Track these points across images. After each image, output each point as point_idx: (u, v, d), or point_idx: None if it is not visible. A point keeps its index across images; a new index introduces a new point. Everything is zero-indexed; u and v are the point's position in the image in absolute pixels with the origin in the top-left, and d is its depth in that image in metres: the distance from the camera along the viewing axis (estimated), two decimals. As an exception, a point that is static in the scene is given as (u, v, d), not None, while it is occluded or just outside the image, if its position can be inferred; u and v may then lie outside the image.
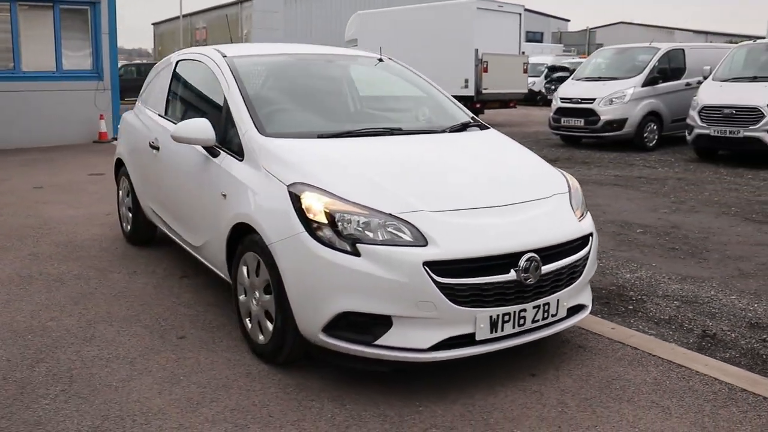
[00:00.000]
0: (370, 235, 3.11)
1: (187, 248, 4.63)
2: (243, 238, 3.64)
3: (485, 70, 18.19)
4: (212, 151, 4.01)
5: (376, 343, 3.10)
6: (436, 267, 3.05)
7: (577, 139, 13.95)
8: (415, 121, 4.41)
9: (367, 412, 3.10)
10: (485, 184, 3.57)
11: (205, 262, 4.34)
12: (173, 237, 4.92)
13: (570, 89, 13.95)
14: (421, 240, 3.10)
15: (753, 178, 10.00)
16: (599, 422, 3.06)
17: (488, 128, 4.43)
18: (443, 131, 4.22)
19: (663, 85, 13.34)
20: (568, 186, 3.84)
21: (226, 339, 3.90)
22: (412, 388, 3.31)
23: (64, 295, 4.63)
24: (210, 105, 4.36)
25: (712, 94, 11.36)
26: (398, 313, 3.06)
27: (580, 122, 13.28)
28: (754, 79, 11.25)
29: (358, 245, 3.08)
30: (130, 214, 5.76)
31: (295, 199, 3.28)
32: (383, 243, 3.09)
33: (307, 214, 3.20)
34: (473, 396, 3.26)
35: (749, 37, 39.03)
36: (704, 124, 11.22)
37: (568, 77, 21.51)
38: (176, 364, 3.58)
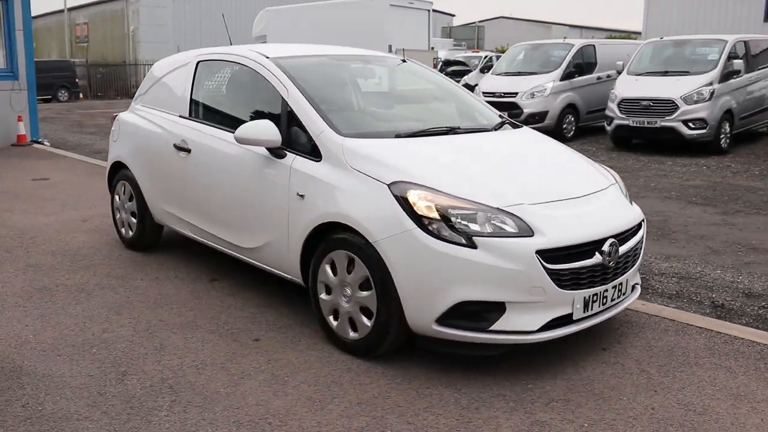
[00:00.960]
0: (479, 228, 3.30)
1: (229, 251, 4.59)
2: (326, 236, 3.72)
3: (399, 65, 18.58)
4: (277, 153, 4.03)
5: (491, 328, 3.29)
6: (545, 255, 3.29)
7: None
8: (464, 120, 4.59)
9: (484, 394, 3.29)
10: (557, 178, 3.84)
11: (258, 264, 4.34)
12: (204, 240, 4.84)
13: (491, 83, 14.58)
14: (527, 230, 3.32)
15: (673, 164, 10.96)
16: (685, 385, 3.41)
17: (521, 126, 4.70)
18: (491, 129, 4.44)
19: (578, 79, 14.26)
20: (614, 177, 4.20)
21: (303, 338, 3.94)
22: (511, 370, 3.53)
23: (100, 306, 4.45)
24: (259, 106, 4.34)
25: (629, 87, 12.30)
26: (512, 299, 3.27)
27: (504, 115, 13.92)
28: (665, 73, 12.30)
29: (474, 238, 3.26)
30: (134, 219, 5.57)
31: (401, 197, 3.41)
32: (492, 235, 3.28)
33: (417, 211, 3.34)
34: (567, 372, 3.53)
35: (626, 32, 42.03)
36: (623, 115, 12.13)
37: (463, 71, 22.40)
38: (270, 365, 3.58)
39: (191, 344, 3.86)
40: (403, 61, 5.16)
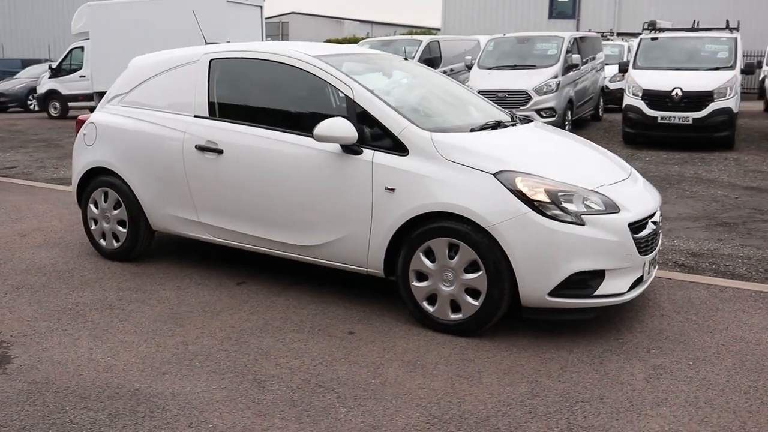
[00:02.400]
0: (581, 207, 3.75)
1: (273, 251, 4.54)
2: (419, 227, 3.92)
3: (240, 62, 18.31)
4: (352, 149, 4.11)
5: (595, 294, 3.77)
6: (631, 227, 3.83)
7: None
8: (488, 115, 4.94)
9: (594, 351, 3.74)
10: (600, 164, 4.38)
11: (319, 261, 4.37)
12: (233, 243, 4.71)
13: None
14: (614, 207, 3.83)
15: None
16: (726, 325, 4.10)
17: (532, 120, 5.17)
18: (514, 124, 4.85)
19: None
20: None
21: (395, 325, 4.09)
22: (595, 330, 4.01)
23: (149, 320, 4.18)
24: (314, 105, 4.34)
25: (483, 80, 13.43)
26: (611, 266, 3.77)
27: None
28: (515, 67, 13.61)
29: (583, 216, 3.70)
30: (122, 228, 5.19)
31: (510, 185, 3.74)
32: (593, 213, 3.75)
33: (529, 196, 3.70)
34: (637, 327, 4.10)
35: (425, 28, 44.46)
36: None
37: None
38: (391, 353, 3.72)
39: (294, 345, 3.84)
40: (405, 59, 5.41)
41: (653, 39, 13.01)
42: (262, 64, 4.63)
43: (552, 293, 3.73)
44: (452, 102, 4.93)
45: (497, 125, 4.53)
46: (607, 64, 16.92)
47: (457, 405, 3.19)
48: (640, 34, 23.40)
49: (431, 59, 15.35)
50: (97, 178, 5.31)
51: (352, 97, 4.20)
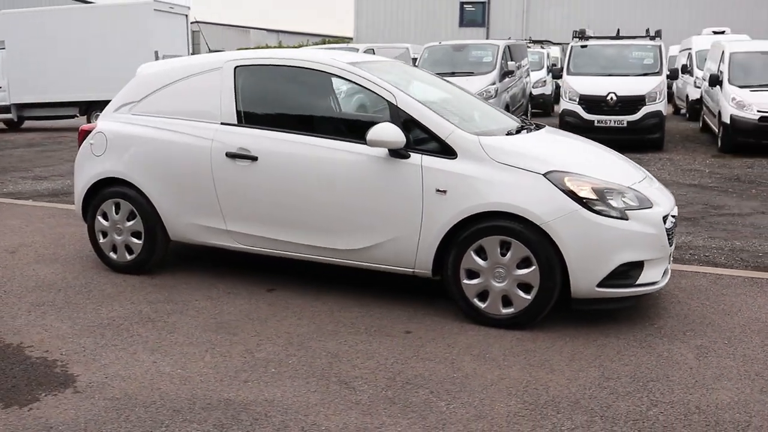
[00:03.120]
0: (623, 203, 4.04)
1: (312, 256, 4.58)
2: (470, 226, 4.09)
3: (167, 71, 17.87)
4: (400, 153, 4.22)
5: (637, 283, 4.07)
6: (664, 219, 4.17)
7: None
8: (509, 121, 5.14)
9: (639, 335, 4.02)
10: (621, 165, 4.69)
11: (364, 264, 4.46)
12: (265, 250, 4.71)
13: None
14: (648, 203, 4.15)
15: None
16: (748, 306, 4.51)
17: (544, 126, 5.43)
18: (538, 128, 5.08)
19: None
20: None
21: (446, 322, 4.23)
22: (630, 318, 4.30)
23: (199, 330, 4.12)
24: (355, 111, 4.40)
25: (425, 88, 13.75)
26: (649, 257, 4.08)
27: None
28: (452, 74, 13.99)
29: (626, 211, 3.98)
30: (136, 240, 5.05)
31: (560, 184, 3.98)
32: (634, 208, 4.05)
33: (578, 194, 3.95)
34: (664, 313, 4.43)
35: (339, 38, 44.61)
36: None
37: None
38: (464, 349, 3.86)
39: (359, 347, 3.90)
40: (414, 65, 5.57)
41: (583, 47, 13.78)
42: (295, 72, 4.66)
43: (600, 284, 4.00)
44: (472, 107, 5.13)
45: (522, 129, 4.77)
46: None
47: (544, 391, 3.39)
48: (551, 42, 24.64)
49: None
50: (106, 189, 5.14)
51: (395, 103, 4.32)
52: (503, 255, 4.08)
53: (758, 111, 11.16)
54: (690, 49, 18.12)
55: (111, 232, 5.18)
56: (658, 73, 12.62)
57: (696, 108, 16.29)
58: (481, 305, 4.19)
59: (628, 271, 4.06)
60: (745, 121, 11.28)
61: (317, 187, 4.46)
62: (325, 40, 41.15)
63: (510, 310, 4.13)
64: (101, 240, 5.25)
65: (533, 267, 4.02)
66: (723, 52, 12.74)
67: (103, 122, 5.24)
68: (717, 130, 12.45)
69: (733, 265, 5.65)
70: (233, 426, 3.06)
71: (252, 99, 4.78)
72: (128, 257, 5.16)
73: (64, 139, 15.91)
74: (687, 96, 17.60)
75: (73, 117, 18.53)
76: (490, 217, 4.07)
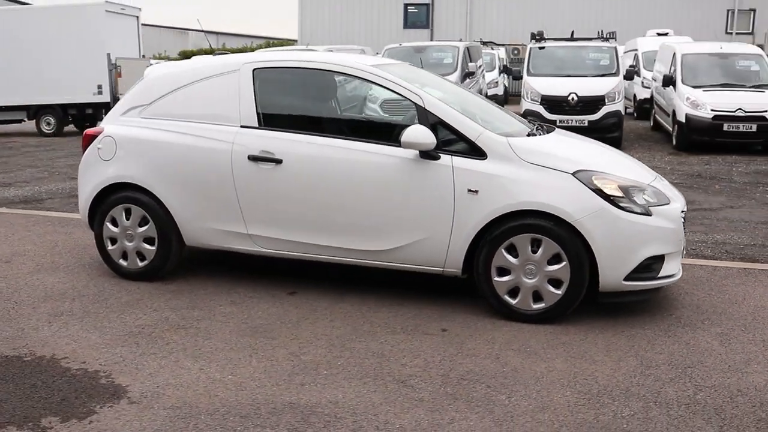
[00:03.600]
0: (645, 200, 4.22)
1: (338, 259, 4.61)
2: (501, 225, 4.19)
3: (120, 75, 17.44)
4: (431, 155, 4.29)
5: (659, 276, 4.26)
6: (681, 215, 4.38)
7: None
8: (522, 123, 5.24)
9: (659, 326, 4.22)
10: (633, 164, 4.86)
11: (392, 264, 4.51)
12: (289, 253, 4.71)
13: None
14: (666, 199, 4.35)
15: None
16: (754, 293, 4.79)
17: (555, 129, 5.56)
18: (551, 130, 5.21)
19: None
20: None
21: (478, 319, 4.32)
22: (647, 311, 4.50)
23: (236, 335, 4.09)
24: (381, 113, 4.43)
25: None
26: (669, 251, 4.28)
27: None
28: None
29: (649, 207, 4.17)
30: (149, 246, 4.95)
31: (588, 182, 4.13)
32: (655, 204, 4.24)
33: (605, 192, 4.11)
34: (676, 306, 4.65)
35: (282, 40, 44.14)
36: (390, 114, 13.67)
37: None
38: (504, 343, 3.97)
39: (401, 345, 3.96)
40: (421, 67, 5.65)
41: (541, 48, 14.15)
42: (317, 74, 4.67)
43: (627, 278, 4.17)
44: (487, 109, 5.24)
45: (537, 130, 4.91)
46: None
47: (594, 381, 3.52)
48: (494, 43, 25.05)
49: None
50: (115, 195, 5.02)
51: (423, 106, 4.39)
52: (534, 252, 4.20)
53: (712, 110, 11.72)
54: (636, 50, 18.84)
55: (121, 238, 5.06)
56: (616, 74, 13.09)
57: (645, 107, 16.96)
58: (512, 301, 4.30)
59: (651, 265, 4.25)
60: (699, 120, 11.83)
61: (346, 189, 4.48)
62: (270, 42, 40.67)
63: (541, 305, 4.26)
64: (110, 247, 5.12)
65: (563, 263, 4.16)
66: (674, 53, 13.33)
67: (111, 126, 5.11)
68: (671, 129, 13.01)
69: (722, 257, 5.95)
70: (307, 429, 3.07)
71: (272, 102, 4.77)
72: (140, 264, 5.05)
73: (15, 144, 15.29)
74: (635, 96, 18.30)
75: (20, 122, 17.83)
76: (521, 216, 4.19)
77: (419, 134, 4.23)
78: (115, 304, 4.64)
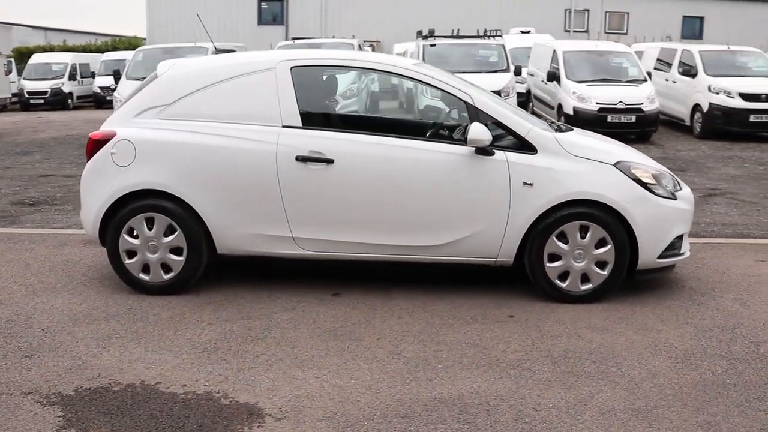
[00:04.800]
0: (666, 186, 4.70)
1: (390, 256, 4.68)
2: (548, 215, 4.48)
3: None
4: (486, 151, 4.45)
5: (680, 252, 4.77)
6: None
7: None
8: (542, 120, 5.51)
9: (682, 297, 4.74)
10: (641, 156, 5.30)
11: (445, 258, 4.65)
12: (335, 254, 4.69)
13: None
14: (678, 184, 4.86)
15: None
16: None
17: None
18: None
19: None
20: None
21: (533, 304, 4.57)
22: (659, 285, 5.01)
23: (318, 341, 4.03)
24: (432, 112, 4.49)
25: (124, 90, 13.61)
26: (687, 230, 4.81)
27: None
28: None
29: (674, 192, 4.65)
30: (177, 257, 4.67)
31: (628, 172, 4.54)
32: (676, 189, 4.73)
33: (642, 180, 4.53)
34: (688, 274, 5.21)
35: (126, 37, 41.33)
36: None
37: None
38: (573, 323, 4.26)
39: (485, 334, 4.12)
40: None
41: (432, 45, 14.69)
42: (359, 73, 4.66)
43: (660, 256, 4.64)
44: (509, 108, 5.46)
45: (559, 127, 5.25)
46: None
47: (672, 348, 3.93)
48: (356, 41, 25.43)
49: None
50: (135, 203, 4.68)
51: (472, 104, 4.56)
52: (582, 238, 4.54)
53: (597, 103, 12.90)
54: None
55: (142, 250, 4.71)
56: (506, 70, 13.93)
57: (520, 101, 18.14)
58: (563, 285, 4.61)
59: (675, 243, 4.75)
60: (586, 112, 12.97)
61: (399, 186, 4.54)
62: (115, 40, 38.01)
63: (588, 286, 4.61)
64: (127, 261, 4.75)
65: (608, 246, 4.53)
66: (555, 51, 14.45)
67: (126, 129, 4.73)
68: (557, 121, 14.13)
69: (706, 235, 6.64)
70: (476, 420, 3.17)
71: (313, 100, 4.69)
72: (165, 277, 4.74)
73: None
74: (506, 90, 19.50)
75: None
76: (571, 205, 4.51)
77: (480, 132, 4.40)
78: (159, 321, 4.34)
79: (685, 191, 4.85)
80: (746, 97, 12.93)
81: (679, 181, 4.99)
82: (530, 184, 4.50)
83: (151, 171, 4.67)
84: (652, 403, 3.32)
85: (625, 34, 33.10)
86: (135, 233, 4.72)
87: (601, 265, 4.59)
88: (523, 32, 20.81)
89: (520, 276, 4.82)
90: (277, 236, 4.68)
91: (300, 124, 4.63)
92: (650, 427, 3.11)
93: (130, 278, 4.80)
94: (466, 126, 4.53)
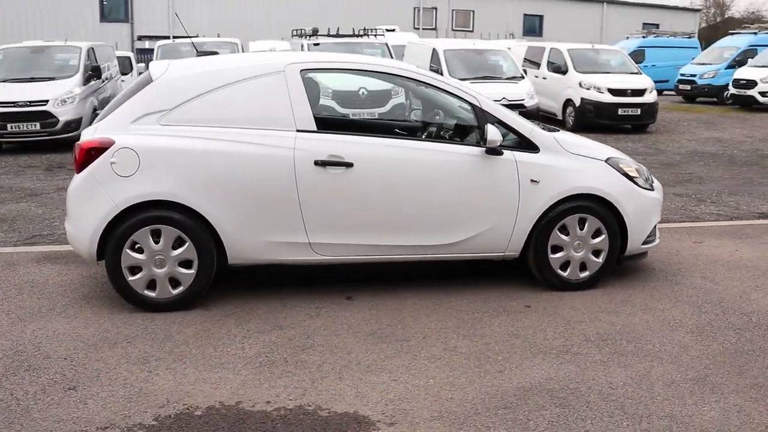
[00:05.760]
0: (645, 178, 5.18)
1: (405, 256, 4.77)
2: (551, 209, 4.79)
3: None
4: (496, 150, 4.65)
5: (655, 238, 5.29)
6: (659, 190, 5.48)
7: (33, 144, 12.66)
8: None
9: (662, 276, 5.26)
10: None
11: (458, 256, 4.82)
12: (353, 257, 4.70)
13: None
14: (651, 178, 5.37)
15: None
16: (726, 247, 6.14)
17: None
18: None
19: (94, 82, 13.80)
20: None
21: (543, 295, 4.86)
22: (642, 269, 5.49)
23: (366, 344, 4.05)
24: (442, 114, 4.58)
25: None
26: (659, 219, 5.33)
27: (36, 126, 12.44)
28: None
29: (652, 184, 5.14)
30: (186, 270, 4.42)
31: (617, 167, 4.97)
32: (650, 181, 5.23)
33: (629, 174, 4.98)
34: (667, 258, 5.74)
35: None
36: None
37: None
38: (590, 309, 4.60)
39: (518, 323, 4.34)
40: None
41: (316, 44, 14.69)
42: (368, 76, 4.65)
43: (643, 242, 5.13)
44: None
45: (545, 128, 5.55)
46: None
47: (692, 323, 4.39)
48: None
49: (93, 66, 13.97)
50: (138, 215, 4.36)
51: (480, 106, 4.74)
52: (581, 229, 4.90)
53: (484, 101, 13.62)
54: (371, 47, 20.46)
55: (148, 265, 4.40)
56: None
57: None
58: (564, 274, 4.95)
59: (653, 231, 5.27)
60: (474, 110, 13.64)
61: (416, 187, 4.64)
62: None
63: (586, 274, 4.99)
64: (130, 278, 4.42)
65: (603, 236, 4.94)
66: (434, 49, 14.99)
67: (125, 136, 4.37)
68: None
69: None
70: (568, 402, 3.39)
71: (324, 103, 4.62)
72: (173, 292, 4.47)
73: None
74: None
75: None
76: (571, 200, 4.85)
77: (495, 132, 4.60)
78: (188, 339, 4.10)
79: (657, 183, 5.38)
80: (614, 92, 14.34)
81: (650, 174, 5.54)
82: (536, 181, 4.78)
83: (158, 180, 4.38)
84: (701, 372, 3.73)
85: (471, 31, 35.04)
86: (138, 247, 4.42)
87: (597, 253, 4.98)
88: (388, 30, 21.31)
89: (508, 269, 5.19)
90: (293, 243, 4.58)
91: (315, 128, 4.57)
92: (714, 393, 3.50)
93: (133, 296, 4.47)
94: (478, 127, 4.73)
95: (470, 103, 4.79)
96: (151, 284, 4.48)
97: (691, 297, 4.88)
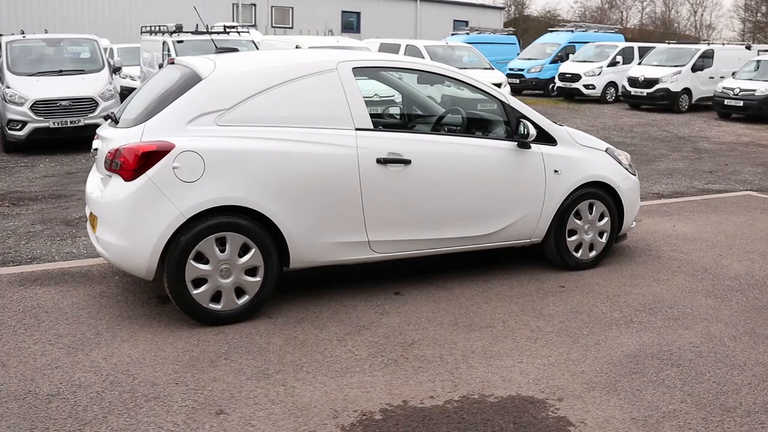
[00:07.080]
0: (629, 165, 5.82)
1: (451, 248, 4.93)
2: (569, 197, 5.22)
3: None
4: (526, 144, 4.94)
5: (637, 220, 5.93)
6: (631, 177, 6.14)
7: None
8: None
9: (645, 255, 5.92)
10: None
11: (495, 244, 5.09)
12: (407, 252, 4.77)
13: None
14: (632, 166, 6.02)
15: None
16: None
17: None
18: None
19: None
20: None
21: (560, 275, 5.27)
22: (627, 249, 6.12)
23: (444, 332, 4.16)
24: (476, 111, 4.72)
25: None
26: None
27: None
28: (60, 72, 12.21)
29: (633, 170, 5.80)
30: (252, 278, 4.21)
31: (614, 156, 5.53)
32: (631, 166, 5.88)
33: (623, 162, 5.57)
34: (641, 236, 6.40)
35: None
36: (41, 118, 11.57)
37: None
38: (617, 287, 5.08)
39: (568, 307, 4.69)
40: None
41: (179, 42, 13.94)
42: (415, 75, 4.68)
43: (633, 222, 5.76)
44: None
45: None
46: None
47: (696, 289, 5.04)
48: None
49: None
50: (203, 223, 4.05)
51: (508, 103, 5.01)
52: (590, 213, 5.40)
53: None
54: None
55: (214, 276, 4.10)
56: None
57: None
58: (577, 255, 5.42)
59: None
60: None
61: (465, 181, 4.84)
62: None
63: (593, 254, 5.51)
64: (194, 291, 4.08)
65: (606, 218, 5.49)
66: (298, 47, 14.97)
67: (185, 139, 4.02)
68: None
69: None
70: (681, 361, 3.82)
71: (382, 102, 4.60)
72: (239, 302, 4.23)
73: None
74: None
75: None
76: (584, 187, 5.33)
77: (531, 127, 4.93)
78: (286, 349, 3.94)
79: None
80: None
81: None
82: (558, 172, 5.19)
83: (226, 185, 4.11)
84: (749, 328, 4.37)
85: (291, 28, 34.98)
86: (203, 258, 4.10)
87: (601, 234, 5.53)
88: (226, 27, 20.71)
89: (505, 254, 5.58)
90: (353, 242, 4.55)
91: (371, 126, 4.56)
92: (772, 342, 4.15)
93: (198, 311, 4.16)
94: (507, 123, 5.03)
95: (500, 101, 5.08)
96: (215, 296, 4.20)
97: (680, 267, 5.59)
